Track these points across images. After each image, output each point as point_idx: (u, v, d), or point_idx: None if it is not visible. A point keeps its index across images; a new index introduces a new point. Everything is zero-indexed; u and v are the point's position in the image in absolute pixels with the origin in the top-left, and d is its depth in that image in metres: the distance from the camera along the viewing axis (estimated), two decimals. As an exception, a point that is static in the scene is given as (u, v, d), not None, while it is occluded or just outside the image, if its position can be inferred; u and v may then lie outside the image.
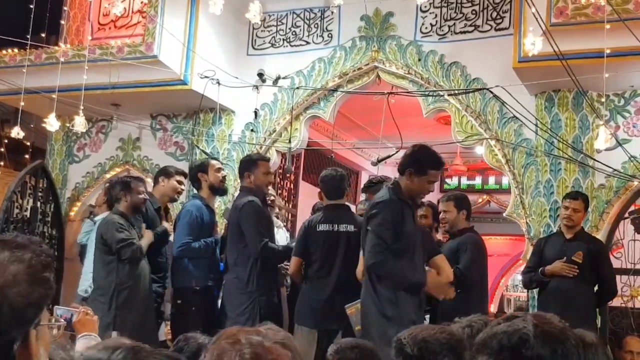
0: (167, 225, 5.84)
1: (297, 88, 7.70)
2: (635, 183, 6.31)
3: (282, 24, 8.03)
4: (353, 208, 6.89)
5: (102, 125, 8.70)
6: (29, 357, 1.35)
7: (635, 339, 5.76)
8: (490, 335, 1.26)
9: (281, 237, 6.34)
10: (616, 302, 6.22)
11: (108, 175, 8.36)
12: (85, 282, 5.86)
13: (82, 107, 6.62)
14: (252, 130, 7.92)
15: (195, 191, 6.18)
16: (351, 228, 5.41)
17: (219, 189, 5.99)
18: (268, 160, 6.15)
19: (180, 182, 5.99)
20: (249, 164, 5.70)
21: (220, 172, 5.96)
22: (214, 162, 6.11)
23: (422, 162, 4.66)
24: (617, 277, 5.97)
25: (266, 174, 5.74)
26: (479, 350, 1.28)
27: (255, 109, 7.88)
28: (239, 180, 7.57)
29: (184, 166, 7.13)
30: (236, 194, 7.42)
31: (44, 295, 1.35)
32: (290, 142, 7.64)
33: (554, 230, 6.15)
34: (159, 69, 7.34)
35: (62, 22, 8.10)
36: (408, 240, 4.55)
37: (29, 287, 1.32)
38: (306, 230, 5.55)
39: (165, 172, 6.04)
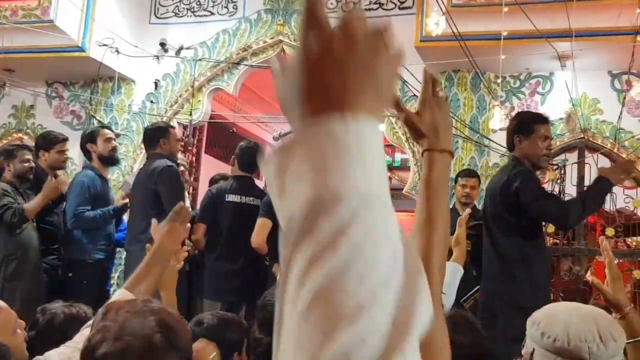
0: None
1: (200, 60, 7.63)
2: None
3: (186, -9, 7.92)
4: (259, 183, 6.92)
5: (-6, 91, 8.38)
6: None
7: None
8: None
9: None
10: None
11: (-1, 144, 8.07)
12: None
13: (-30, 72, 6.37)
14: (152, 101, 7.80)
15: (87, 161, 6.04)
16: (258, 202, 5.45)
17: (109, 159, 5.84)
18: (174, 128, 6.17)
19: (62, 152, 5.82)
20: (162, 131, 5.58)
21: (110, 142, 5.82)
22: (104, 131, 5.93)
23: (524, 121, 4.42)
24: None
25: (178, 141, 5.73)
26: None
27: (156, 79, 7.78)
28: (139, 151, 7.52)
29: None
30: (136, 165, 7.35)
31: None
32: (191, 114, 7.59)
33: (449, 207, 6.36)
34: (55, 35, 7.10)
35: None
36: None
37: None
38: (214, 199, 5.54)
39: (43, 145, 5.82)
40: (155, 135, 5.56)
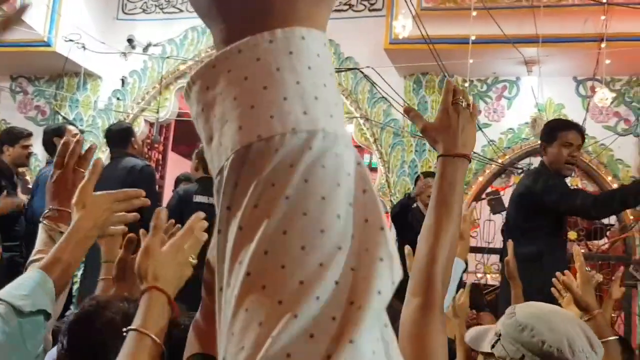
0: (22, 198, 5.58)
1: (168, 57, 7.57)
2: (493, 166, 6.65)
3: (155, -12, 7.85)
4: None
5: (-44, 85, 8.21)
6: None
7: (487, 314, 6.07)
8: None
9: None
10: (471, 278, 6.53)
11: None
12: None
13: None
14: (118, 98, 7.71)
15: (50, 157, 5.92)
16: None
17: None
18: None
19: (26, 147, 5.71)
20: (132, 131, 5.59)
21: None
22: (71, 127, 5.85)
23: (549, 128, 4.35)
24: (472, 255, 6.25)
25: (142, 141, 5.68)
26: None
27: (123, 76, 7.70)
28: (104, 149, 7.39)
29: (45, 132, 6.91)
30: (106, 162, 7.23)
31: None
32: (158, 112, 7.53)
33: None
34: (21, 29, 6.92)
35: None
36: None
37: None
38: (181, 200, 5.46)
39: (8, 140, 5.71)
40: (127, 135, 5.52)
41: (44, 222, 1.95)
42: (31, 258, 1.90)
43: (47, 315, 1.63)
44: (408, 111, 1.65)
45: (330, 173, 0.49)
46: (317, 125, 0.50)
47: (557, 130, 4.28)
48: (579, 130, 4.35)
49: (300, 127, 0.50)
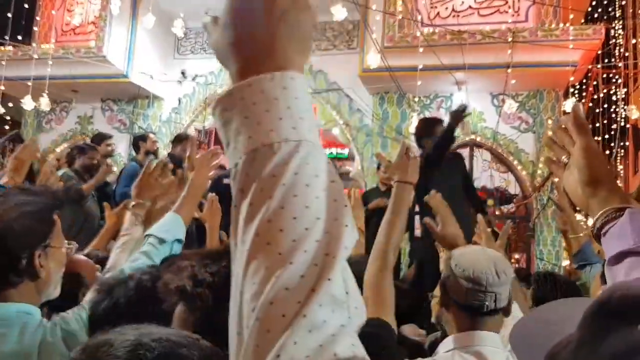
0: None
1: (210, 84, 7.64)
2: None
3: (199, 36, 7.85)
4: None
5: (64, 106, 8.22)
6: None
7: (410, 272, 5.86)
8: None
9: None
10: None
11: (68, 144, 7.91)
12: None
13: (46, 92, 6.34)
14: (176, 112, 7.77)
15: (134, 154, 5.92)
16: None
17: (154, 154, 5.72)
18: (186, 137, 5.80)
19: (109, 145, 5.43)
20: (181, 138, 5.38)
21: (156, 144, 5.72)
22: (152, 135, 5.85)
23: (426, 126, 4.21)
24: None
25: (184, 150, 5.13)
26: None
27: (179, 97, 7.74)
28: (165, 150, 7.42)
29: (126, 138, 7.15)
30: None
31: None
32: (204, 122, 7.61)
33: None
34: (107, 66, 7.09)
35: (35, 28, 7.58)
36: None
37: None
38: (212, 183, 5.14)
39: (98, 140, 5.44)
40: (174, 141, 5.33)
41: (132, 210, 1.94)
42: (120, 236, 1.90)
43: (180, 241, 1.74)
44: (378, 155, 1.74)
45: (312, 168, 0.52)
46: (302, 137, 0.52)
47: (432, 127, 4.12)
48: (442, 123, 4.18)
49: (291, 137, 0.52)
